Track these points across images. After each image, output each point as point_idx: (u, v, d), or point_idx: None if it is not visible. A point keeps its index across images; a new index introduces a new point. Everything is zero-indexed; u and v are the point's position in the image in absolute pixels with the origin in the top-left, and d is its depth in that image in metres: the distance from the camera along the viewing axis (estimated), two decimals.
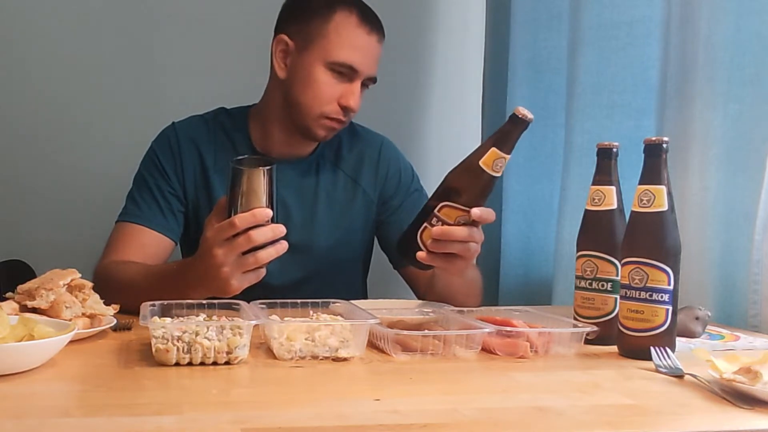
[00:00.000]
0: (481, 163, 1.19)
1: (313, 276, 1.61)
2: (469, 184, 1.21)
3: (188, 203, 1.57)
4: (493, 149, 1.19)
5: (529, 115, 1.17)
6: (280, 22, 1.57)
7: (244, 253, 1.19)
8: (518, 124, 1.18)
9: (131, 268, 1.42)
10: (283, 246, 1.20)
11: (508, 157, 1.19)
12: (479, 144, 1.24)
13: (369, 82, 1.54)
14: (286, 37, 1.53)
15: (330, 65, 1.49)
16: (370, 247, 1.72)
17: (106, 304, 1.20)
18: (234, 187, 1.20)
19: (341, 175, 1.64)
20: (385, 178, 1.66)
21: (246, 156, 1.34)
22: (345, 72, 1.49)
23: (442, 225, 1.22)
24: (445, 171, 1.24)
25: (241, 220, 1.17)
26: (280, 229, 1.19)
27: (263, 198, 1.19)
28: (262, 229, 1.18)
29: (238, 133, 1.61)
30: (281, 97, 1.55)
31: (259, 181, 1.19)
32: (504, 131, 1.20)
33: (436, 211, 1.22)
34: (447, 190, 1.23)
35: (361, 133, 1.69)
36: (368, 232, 1.68)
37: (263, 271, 1.23)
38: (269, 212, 1.18)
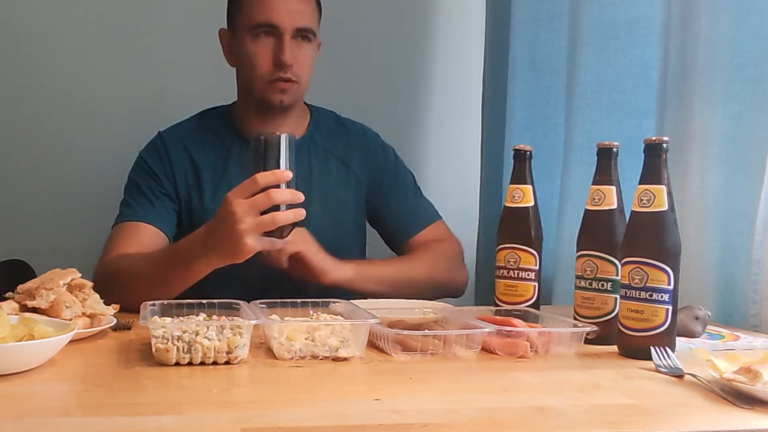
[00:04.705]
0: (505, 203, 1.33)
1: None
2: (505, 224, 1.33)
3: (180, 202, 1.59)
4: (509, 186, 1.32)
5: (527, 147, 1.31)
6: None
7: (263, 214, 1.20)
8: (518, 157, 1.31)
9: (133, 257, 1.43)
10: (301, 212, 1.22)
11: (524, 186, 1.30)
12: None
13: (306, 33, 1.55)
14: (225, 30, 1.62)
15: (252, 32, 1.54)
16: (363, 231, 1.74)
17: (107, 302, 1.20)
18: (256, 158, 1.23)
19: (332, 159, 1.67)
20: (374, 161, 1.71)
21: (265, 132, 1.36)
22: (268, 32, 1.53)
23: (507, 271, 1.30)
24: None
25: (262, 177, 1.20)
26: (300, 195, 1.21)
27: (284, 165, 1.22)
28: (281, 190, 1.20)
29: (225, 128, 1.64)
30: (240, 85, 1.62)
31: (280, 148, 1.23)
32: (513, 170, 1.33)
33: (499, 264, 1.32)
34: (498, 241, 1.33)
35: (347, 122, 1.75)
36: (360, 215, 1.71)
37: (280, 242, 1.24)
38: (289, 174, 1.21)
